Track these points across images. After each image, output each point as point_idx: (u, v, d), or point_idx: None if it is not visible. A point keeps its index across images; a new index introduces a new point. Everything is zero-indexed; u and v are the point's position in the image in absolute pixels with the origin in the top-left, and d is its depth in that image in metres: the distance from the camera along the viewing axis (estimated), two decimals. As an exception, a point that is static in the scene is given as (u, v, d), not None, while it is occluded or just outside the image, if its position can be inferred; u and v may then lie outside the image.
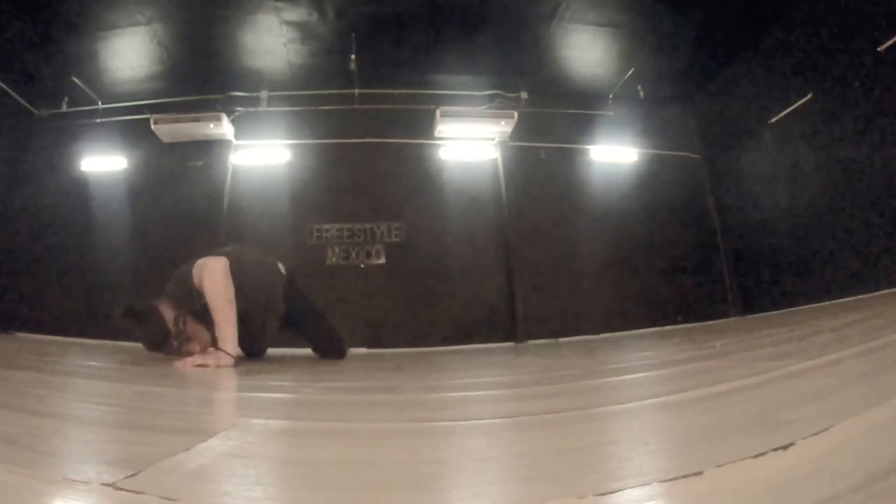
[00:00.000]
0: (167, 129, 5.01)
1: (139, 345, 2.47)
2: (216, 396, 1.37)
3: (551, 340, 4.82)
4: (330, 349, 3.05)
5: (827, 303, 4.08)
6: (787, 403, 0.84)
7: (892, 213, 3.66)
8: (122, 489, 0.49)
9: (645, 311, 5.27)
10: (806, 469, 0.50)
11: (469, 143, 5.49)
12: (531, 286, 5.19)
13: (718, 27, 4.67)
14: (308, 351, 3.08)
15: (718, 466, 0.51)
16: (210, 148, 5.25)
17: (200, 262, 2.47)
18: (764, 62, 4.93)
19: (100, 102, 5.23)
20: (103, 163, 5.20)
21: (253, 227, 5.06)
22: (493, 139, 5.48)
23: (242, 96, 5.38)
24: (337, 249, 5.14)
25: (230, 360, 2.22)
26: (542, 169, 5.57)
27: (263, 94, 5.42)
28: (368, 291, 5.06)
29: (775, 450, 0.54)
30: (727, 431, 0.69)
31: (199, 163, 5.26)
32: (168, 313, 2.39)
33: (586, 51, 5.09)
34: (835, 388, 0.93)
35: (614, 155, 5.67)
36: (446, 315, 5.04)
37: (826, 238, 4.29)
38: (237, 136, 5.30)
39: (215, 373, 1.99)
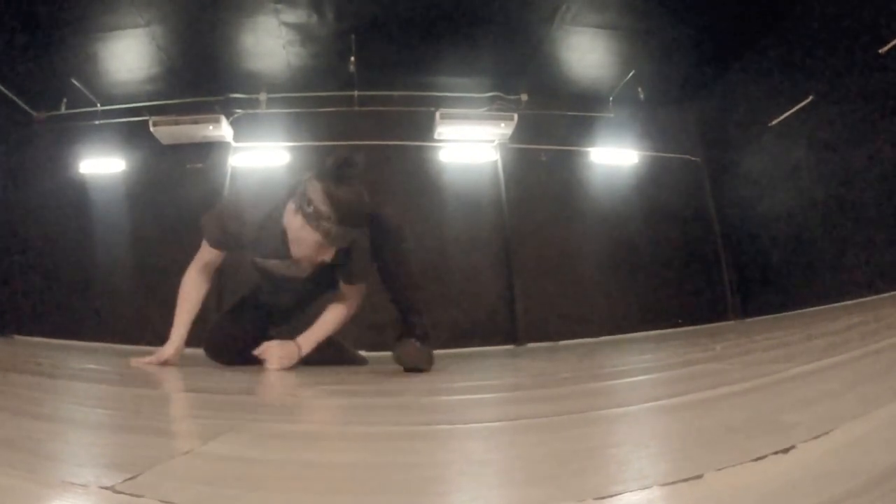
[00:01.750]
0: (166, 132, 5.01)
1: (138, 347, 2.44)
2: (215, 399, 1.37)
3: (551, 343, 4.82)
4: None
5: (827, 305, 4.08)
6: (787, 406, 0.84)
7: (893, 215, 3.66)
8: (120, 492, 0.48)
9: (645, 313, 5.27)
10: (807, 472, 0.50)
11: (469, 145, 5.50)
12: (531, 289, 5.19)
13: (719, 29, 4.68)
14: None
15: (719, 470, 0.50)
16: (209, 150, 5.25)
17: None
18: (764, 65, 4.93)
19: (99, 104, 5.24)
20: (102, 165, 5.20)
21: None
22: (493, 141, 5.48)
23: (241, 98, 5.39)
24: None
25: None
26: (542, 171, 5.58)
27: (263, 96, 5.42)
28: (368, 294, 5.04)
29: (776, 453, 0.53)
30: (728, 435, 0.69)
31: (199, 165, 5.26)
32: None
33: (586, 53, 5.11)
34: (836, 391, 0.93)
35: (614, 157, 5.67)
36: (446, 318, 5.03)
37: (826, 240, 4.29)
38: (236, 139, 5.30)
39: (214, 375, 1.98)
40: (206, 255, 2.26)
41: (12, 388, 1.37)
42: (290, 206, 1.96)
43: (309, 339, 2.19)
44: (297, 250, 1.99)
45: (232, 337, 2.40)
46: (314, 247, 1.93)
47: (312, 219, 1.86)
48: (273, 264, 2.23)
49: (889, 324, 2.03)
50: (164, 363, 2.14)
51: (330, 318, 2.29)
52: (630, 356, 2.55)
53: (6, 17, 4.10)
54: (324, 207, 1.83)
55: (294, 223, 1.93)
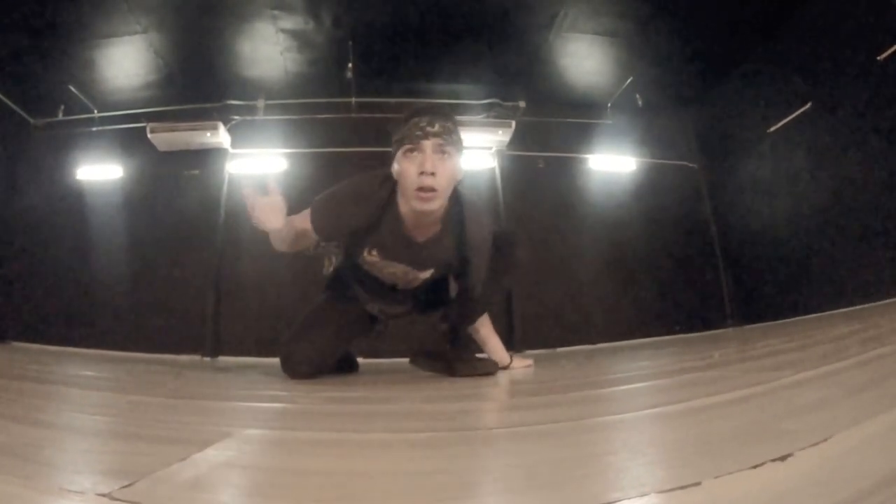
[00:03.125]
0: (163, 138, 5.00)
1: (135, 354, 2.38)
2: (212, 406, 1.36)
3: (549, 350, 4.81)
4: None
5: (825, 313, 4.08)
6: (785, 414, 0.84)
7: (891, 222, 3.67)
8: (117, 499, 0.48)
9: (643, 320, 5.26)
10: (804, 480, 0.50)
11: (467, 152, 5.49)
12: (529, 295, 5.18)
13: (717, 36, 4.69)
14: None
15: (716, 477, 0.50)
16: (207, 157, 5.24)
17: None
18: (762, 71, 4.95)
19: (96, 111, 5.24)
20: (99, 171, 5.19)
21: (250, 236, 5.04)
22: (490, 148, 5.48)
23: (239, 105, 5.38)
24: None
25: None
26: (540, 178, 5.57)
27: (260, 102, 5.42)
28: (365, 300, 5.04)
29: (774, 461, 0.53)
30: (725, 442, 0.69)
31: (196, 171, 5.25)
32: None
33: (584, 60, 5.11)
34: (834, 399, 0.93)
35: (612, 164, 5.67)
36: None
37: (824, 248, 4.29)
38: (234, 145, 5.29)
39: (211, 382, 1.98)
40: (303, 225, 2.14)
41: (10, 394, 1.37)
42: (394, 164, 2.02)
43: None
44: (405, 187, 1.98)
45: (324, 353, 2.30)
46: (416, 176, 1.93)
47: (412, 133, 1.92)
48: (385, 268, 2.21)
49: (886, 331, 2.03)
50: (266, 205, 2.08)
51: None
52: (628, 363, 2.55)
53: (3, 23, 4.10)
54: (415, 118, 1.92)
55: (401, 165, 1.99)
